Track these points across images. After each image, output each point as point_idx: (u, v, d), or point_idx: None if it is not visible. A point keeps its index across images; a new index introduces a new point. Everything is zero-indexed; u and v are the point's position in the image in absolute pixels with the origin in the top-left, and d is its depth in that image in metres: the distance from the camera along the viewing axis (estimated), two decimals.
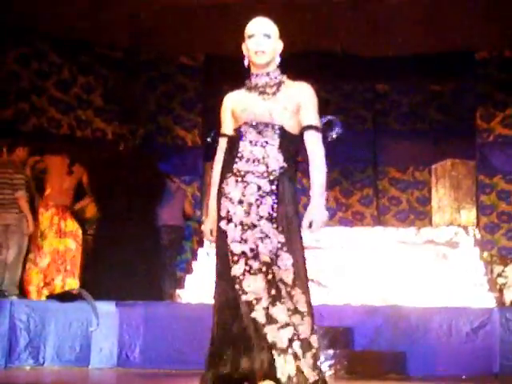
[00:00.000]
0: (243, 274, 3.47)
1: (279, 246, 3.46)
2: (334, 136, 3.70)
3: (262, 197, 3.50)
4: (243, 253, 3.49)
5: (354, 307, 6.85)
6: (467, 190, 9.48)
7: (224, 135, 3.80)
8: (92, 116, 9.55)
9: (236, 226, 3.52)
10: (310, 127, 3.58)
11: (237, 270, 3.49)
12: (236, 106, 3.72)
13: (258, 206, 3.50)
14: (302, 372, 3.35)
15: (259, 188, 3.51)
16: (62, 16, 8.23)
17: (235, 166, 3.58)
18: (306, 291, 3.46)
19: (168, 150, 9.60)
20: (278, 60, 3.70)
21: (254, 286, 3.45)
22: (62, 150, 8.20)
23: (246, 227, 3.51)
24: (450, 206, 9.41)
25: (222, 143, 3.79)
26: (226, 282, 3.53)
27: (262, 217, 3.49)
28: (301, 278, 3.46)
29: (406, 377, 6.06)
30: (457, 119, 10.21)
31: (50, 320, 6.56)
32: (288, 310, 3.41)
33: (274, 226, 3.48)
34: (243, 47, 3.72)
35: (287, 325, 3.39)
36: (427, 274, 7.53)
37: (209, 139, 3.94)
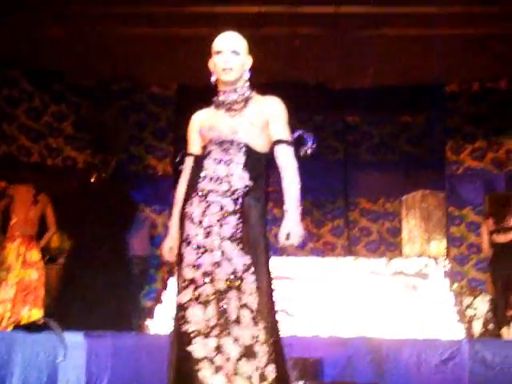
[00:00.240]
0: (189, 302, 3.33)
1: (244, 268, 3.31)
2: (308, 151, 3.66)
3: (224, 217, 3.38)
4: (193, 280, 3.34)
5: (324, 338, 6.82)
6: (437, 221, 9.54)
7: (190, 154, 3.69)
8: (63, 144, 9.51)
9: (193, 249, 3.39)
10: (280, 141, 3.46)
11: (182, 297, 3.35)
12: (203, 124, 3.62)
13: (221, 226, 3.37)
14: None
15: (222, 207, 3.39)
16: (35, 45, 8.19)
17: (199, 185, 3.47)
18: (268, 318, 3.30)
19: (139, 179, 9.58)
20: (246, 75, 3.59)
21: (198, 317, 3.30)
22: (28, 179, 8.10)
23: (202, 250, 3.37)
24: (421, 237, 9.46)
25: (188, 162, 3.68)
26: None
27: (223, 237, 3.36)
28: (264, 303, 3.31)
29: None
30: (427, 151, 10.30)
31: (17, 351, 6.43)
32: (252, 337, 3.26)
33: (239, 246, 3.34)
34: (210, 63, 3.61)
35: (242, 356, 3.24)
36: (397, 304, 7.55)
37: (177, 159, 3.83)
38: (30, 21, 7.40)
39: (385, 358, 6.30)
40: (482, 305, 7.81)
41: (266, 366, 3.25)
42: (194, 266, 3.36)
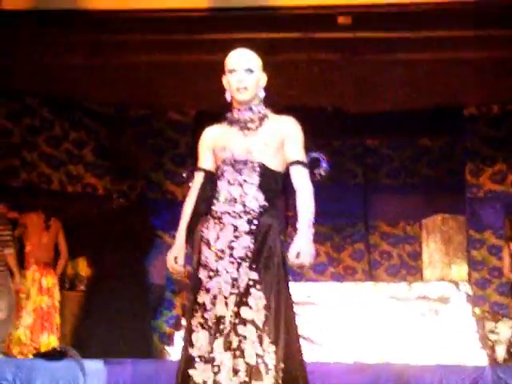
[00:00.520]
0: (196, 326, 3.30)
1: (250, 283, 3.25)
2: (322, 173, 3.69)
3: (237, 237, 3.33)
4: (203, 304, 3.29)
5: (346, 364, 6.77)
6: (458, 244, 9.46)
7: (200, 169, 3.60)
8: (83, 171, 9.55)
9: (207, 272, 3.34)
10: (296, 162, 3.42)
11: (191, 320, 3.33)
12: (216, 143, 3.55)
13: (232, 249, 3.32)
14: None
15: (235, 229, 3.34)
16: (54, 73, 8.26)
17: (213, 207, 3.41)
18: (280, 342, 3.19)
19: (158, 205, 9.59)
20: (262, 93, 3.54)
21: (202, 342, 3.26)
22: (44, 207, 8.14)
23: (214, 273, 3.31)
24: (441, 261, 9.38)
25: (199, 177, 3.59)
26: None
27: (235, 259, 3.31)
28: (274, 323, 3.20)
29: None
30: (447, 174, 10.25)
31: (37, 379, 6.44)
32: (257, 356, 3.17)
33: (247, 264, 3.28)
34: (224, 81, 3.55)
35: (247, 376, 3.16)
36: (419, 330, 7.48)
37: (184, 175, 3.85)
38: (49, 50, 7.45)
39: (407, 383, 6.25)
40: (504, 330, 7.72)
41: None
42: (205, 290, 3.33)
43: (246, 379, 3.17)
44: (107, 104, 9.59)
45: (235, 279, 3.29)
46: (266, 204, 3.38)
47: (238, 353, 3.20)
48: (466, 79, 8.22)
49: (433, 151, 10.60)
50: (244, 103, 3.50)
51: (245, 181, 3.40)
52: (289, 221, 3.52)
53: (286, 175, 3.47)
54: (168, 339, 8.17)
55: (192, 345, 3.29)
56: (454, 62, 7.71)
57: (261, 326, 3.21)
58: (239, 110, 3.52)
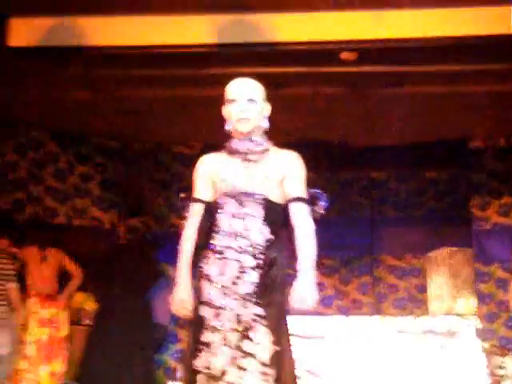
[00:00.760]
0: (200, 368, 3.16)
1: (254, 317, 3.13)
2: (321, 211, 3.39)
3: (242, 273, 3.19)
4: (208, 344, 3.14)
5: None
6: (465, 278, 9.41)
7: (198, 200, 3.43)
8: (89, 205, 9.55)
9: (212, 311, 3.19)
10: (297, 199, 3.31)
11: (195, 362, 3.18)
12: (215, 174, 3.41)
13: (236, 284, 3.18)
14: None
15: (241, 265, 3.20)
16: (61, 107, 8.31)
17: (214, 242, 3.28)
18: (281, 377, 3.10)
19: (163, 238, 9.56)
20: (265, 124, 3.41)
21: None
22: (35, 239, 8.09)
23: (219, 312, 3.17)
24: (449, 295, 9.32)
25: (197, 209, 3.40)
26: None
27: (240, 296, 3.17)
28: (278, 361, 3.10)
29: None
30: (453, 207, 10.23)
31: None
32: None
33: (253, 300, 3.16)
34: (224, 111, 3.43)
35: None
36: (426, 364, 7.42)
37: (179, 203, 3.53)
38: (55, 85, 7.50)
39: None
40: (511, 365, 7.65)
41: None
42: (210, 329, 3.17)
43: None
44: (113, 138, 9.63)
45: (239, 316, 3.16)
46: (272, 237, 3.27)
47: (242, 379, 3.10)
48: (472, 112, 8.23)
49: (439, 184, 10.58)
50: (245, 134, 3.37)
51: (248, 214, 3.28)
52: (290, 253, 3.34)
53: (286, 208, 3.35)
54: (172, 373, 8.11)
55: None
56: (460, 95, 7.72)
57: (266, 361, 3.11)
58: (240, 140, 3.39)
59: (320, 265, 9.57)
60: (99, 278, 8.29)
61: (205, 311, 3.23)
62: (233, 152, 3.40)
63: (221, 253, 3.26)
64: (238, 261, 3.22)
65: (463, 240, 9.60)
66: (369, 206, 10.85)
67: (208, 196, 3.44)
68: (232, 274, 3.22)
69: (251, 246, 3.24)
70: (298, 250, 3.24)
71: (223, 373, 3.13)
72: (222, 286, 3.21)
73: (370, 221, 10.80)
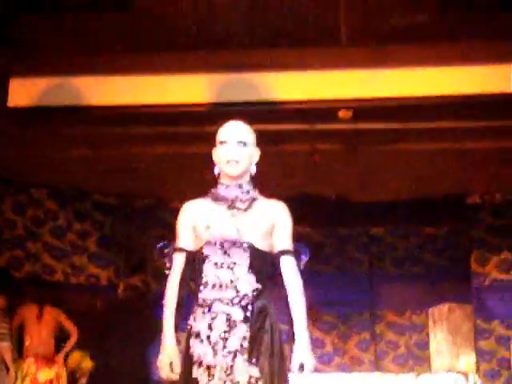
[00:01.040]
0: None
1: (252, 381, 2.98)
2: (301, 267, 3.25)
3: (231, 327, 3.04)
4: None
5: None
6: (466, 334, 9.34)
7: (181, 250, 3.27)
8: (86, 262, 9.51)
9: (204, 370, 3.02)
10: (286, 252, 3.19)
11: None
12: (198, 221, 3.25)
13: (226, 340, 3.02)
14: None
15: (228, 318, 3.05)
16: (59, 165, 8.35)
17: (200, 295, 3.12)
18: None
19: (163, 296, 9.49)
20: (253, 170, 3.29)
21: None
22: (33, 298, 8.02)
23: (212, 371, 3.01)
24: (449, 351, 9.25)
25: (180, 259, 3.25)
26: None
27: (230, 352, 3.01)
28: None
29: None
30: (452, 262, 10.19)
31: None
32: None
33: (245, 357, 3.01)
34: (213, 154, 3.32)
35: None
36: None
37: (158, 252, 3.37)
38: (54, 143, 7.55)
39: None
40: None
41: None
42: None
43: None
44: (111, 195, 9.64)
45: (230, 375, 3.00)
46: (259, 286, 3.12)
47: None
48: (469, 168, 8.27)
49: (438, 239, 10.57)
50: (233, 178, 3.26)
51: (234, 263, 3.13)
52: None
53: (274, 257, 3.22)
54: None
55: None
56: (456, 151, 7.76)
57: None
58: (227, 186, 3.27)
59: (318, 320, 9.49)
60: (96, 336, 8.22)
61: (197, 371, 3.06)
62: (219, 199, 3.27)
63: (208, 306, 3.11)
64: (227, 314, 3.07)
65: (463, 296, 9.56)
66: (367, 262, 10.82)
67: (191, 245, 3.27)
68: (221, 328, 3.06)
69: (238, 296, 3.09)
70: (290, 307, 3.14)
71: None
72: (211, 343, 3.05)
73: (368, 276, 10.76)
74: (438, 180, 8.83)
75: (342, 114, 6.35)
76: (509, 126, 7.06)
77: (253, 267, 3.13)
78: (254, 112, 6.60)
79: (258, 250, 3.17)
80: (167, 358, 3.16)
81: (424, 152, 7.86)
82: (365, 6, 5.57)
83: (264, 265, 3.17)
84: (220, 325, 3.05)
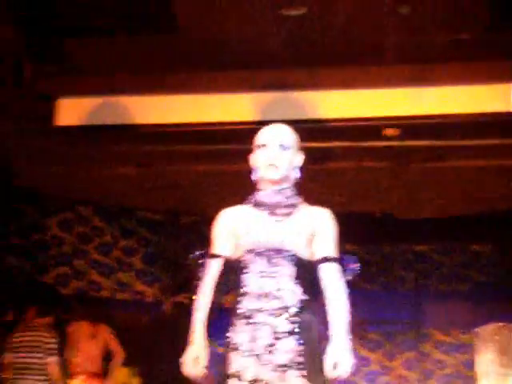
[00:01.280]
0: None
1: None
2: (349, 277, 3.10)
3: (277, 339, 2.87)
4: None
5: None
6: None
7: (216, 256, 3.14)
8: (132, 279, 9.59)
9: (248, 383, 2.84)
10: (328, 259, 3.02)
11: None
12: (238, 226, 3.11)
13: (274, 352, 2.85)
14: None
15: (274, 329, 2.88)
16: (106, 183, 8.45)
17: (241, 305, 2.97)
18: None
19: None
20: (295, 174, 3.15)
21: None
22: (95, 315, 8.06)
23: None
24: (497, 372, 9.09)
25: (215, 265, 3.11)
26: None
27: (280, 366, 2.84)
28: None
29: None
30: (499, 280, 10.06)
31: None
32: None
33: (302, 374, 2.83)
34: (251, 158, 3.19)
35: None
36: None
37: (194, 260, 3.27)
38: (100, 161, 7.65)
39: None
40: None
41: None
42: None
43: None
44: (157, 211, 9.71)
45: None
46: (305, 298, 2.98)
47: None
48: None
49: (483, 257, 10.44)
50: (274, 183, 3.11)
51: (279, 273, 2.97)
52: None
53: (316, 267, 3.05)
54: None
55: None
56: (502, 168, 7.67)
57: None
58: (267, 191, 3.13)
59: (364, 338, 9.41)
60: (142, 353, 8.25)
61: None
62: (259, 204, 3.12)
63: (249, 317, 2.94)
64: (271, 325, 2.91)
65: (511, 315, 9.41)
66: (413, 280, 10.72)
67: (227, 251, 3.13)
68: (265, 340, 2.89)
69: (284, 308, 2.93)
70: (330, 313, 2.94)
71: None
72: (254, 355, 2.88)
73: (414, 294, 10.65)
74: (483, 197, 8.74)
75: (389, 132, 6.33)
76: None
77: (298, 277, 2.99)
78: (299, 130, 6.62)
79: (302, 259, 3.03)
80: (193, 352, 3.03)
81: (469, 169, 7.79)
82: (409, 24, 5.55)
83: (308, 275, 3.02)
84: (264, 337, 2.89)
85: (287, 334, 2.89)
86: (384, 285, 10.40)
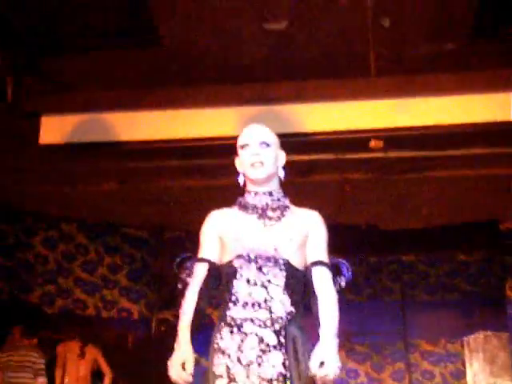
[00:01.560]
0: None
1: None
2: (343, 283, 3.05)
3: (264, 352, 2.81)
4: None
5: None
6: (502, 364, 9.18)
7: (203, 260, 3.03)
8: (118, 296, 9.52)
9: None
10: (319, 263, 2.96)
11: None
12: (226, 231, 3.02)
13: (259, 365, 2.80)
14: None
15: (262, 340, 2.83)
16: (90, 199, 8.39)
17: (228, 312, 2.89)
18: None
19: (196, 330, 9.43)
20: (281, 174, 3.09)
21: None
22: (79, 333, 8.01)
23: None
24: (486, 381, 9.09)
25: (202, 269, 3.01)
26: None
27: (264, 380, 2.78)
28: None
29: None
30: (486, 289, 10.07)
31: None
32: None
33: None
34: (236, 162, 3.12)
35: None
36: None
37: (176, 265, 3.14)
38: (84, 178, 7.61)
39: None
40: None
41: None
42: None
43: None
44: (141, 227, 9.66)
45: None
46: (293, 310, 2.90)
47: None
48: (500, 194, 8.18)
49: (470, 266, 10.46)
50: (260, 182, 3.03)
51: (269, 281, 2.90)
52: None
53: (306, 274, 3.00)
54: None
55: None
56: (488, 178, 7.69)
57: None
58: (256, 193, 3.05)
59: (352, 350, 9.38)
60: (128, 369, 8.19)
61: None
62: (248, 207, 3.04)
63: (238, 326, 2.88)
64: (259, 336, 2.85)
65: (499, 323, 9.41)
66: (399, 290, 10.71)
67: (215, 256, 3.04)
68: (253, 351, 2.84)
69: (272, 319, 2.87)
70: (320, 317, 2.88)
71: None
72: (245, 365, 2.83)
73: (401, 305, 10.65)
74: (469, 207, 8.76)
75: (373, 144, 6.31)
76: None
77: (288, 287, 2.92)
78: (284, 143, 6.60)
79: (293, 267, 2.96)
80: (180, 357, 2.94)
81: (455, 179, 7.80)
82: (393, 36, 5.55)
83: (298, 285, 2.96)
84: (252, 347, 2.84)
85: (274, 347, 2.83)
86: (371, 296, 10.38)
